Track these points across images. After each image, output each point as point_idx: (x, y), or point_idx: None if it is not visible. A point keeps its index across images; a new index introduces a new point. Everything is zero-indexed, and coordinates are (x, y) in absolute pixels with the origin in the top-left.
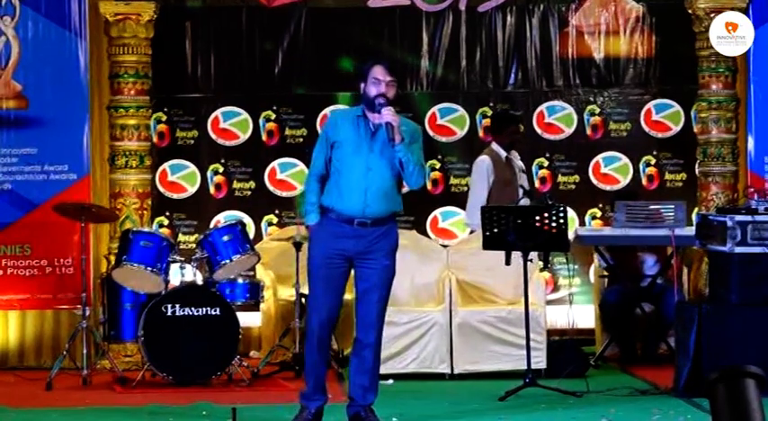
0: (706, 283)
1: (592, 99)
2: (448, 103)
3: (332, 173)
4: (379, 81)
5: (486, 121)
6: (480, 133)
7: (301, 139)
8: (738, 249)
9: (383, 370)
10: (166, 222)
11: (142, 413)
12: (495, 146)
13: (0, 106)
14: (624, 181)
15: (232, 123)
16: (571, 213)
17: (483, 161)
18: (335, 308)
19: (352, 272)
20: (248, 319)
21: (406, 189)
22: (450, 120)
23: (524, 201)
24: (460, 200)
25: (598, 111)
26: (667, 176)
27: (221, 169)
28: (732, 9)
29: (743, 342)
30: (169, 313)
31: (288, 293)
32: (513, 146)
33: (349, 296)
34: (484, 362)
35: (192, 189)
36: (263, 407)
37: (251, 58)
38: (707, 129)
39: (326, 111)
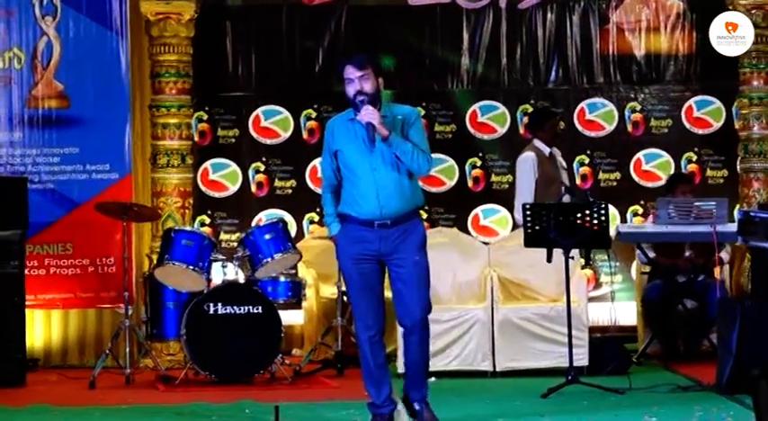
0: (748, 280)
1: (633, 96)
2: (489, 100)
3: (343, 180)
4: (351, 79)
5: (528, 119)
6: (521, 130)
7: None
8: None
9: None
10: (208, 221)
11: (185, 411)
12: (537, 142)
13: (42, 106)
14: (665, 177)
15: (273, 122)
16: (612, 210)
17: (528, 157)
18: (378, 310)
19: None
20: (290, 317)
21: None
22: (491, 117)
23: (566, 199)
24: (502, 197)
25: (639, 107)
26: (709, 173)
27: (262, 168)
28: None
29: None
30: (211, 311)
31: (330, 291)
32: (555, 141)
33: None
34: (526, 360)
35: (233, 187)
36: (305, 405)
37: (291, 57)
38: (748, 125)
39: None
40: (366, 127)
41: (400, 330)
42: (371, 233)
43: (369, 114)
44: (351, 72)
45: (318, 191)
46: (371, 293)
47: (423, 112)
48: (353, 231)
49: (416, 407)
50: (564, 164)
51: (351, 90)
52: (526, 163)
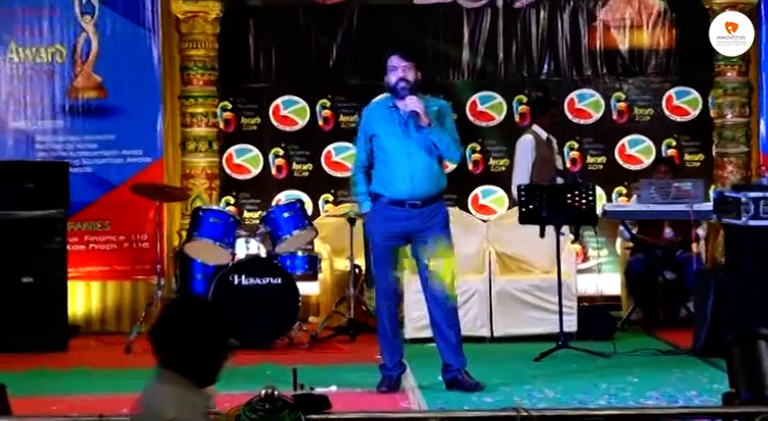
0: (722, 253)
1: (618, 87)
2: (487, 91)
3: (376, 162)
4: (395, 67)
5: (523, 108)
6: (516, 118)
7: (354, 125)
8: (752, 222)
9: (427, 333)
10: (233, 201)
11: None
12: (536, 127)
13: (81, 96)
14: (647, 161)
15: (291, 111)
16: (599, 191)
17: (527, 140)
18: (398, 284)
19: (410, 249)
20: (307, 288)
21: (451, 167)
22: (489, 106)
23: (558, 180)
24: (499, 179)
25: (623, 97)
26: (687, 157)
27: (282, 152)
28: (744, 5)
29: (756, 307)
30: (236, 283)
31: (343, 264)
32: (553, 127)
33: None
34: (520, 327)
35: (255, 170)
36: (321, 367)
37: (308, 52)
38: (722, 113)
39: (377, 99)
40: (411, 115)
41: (424, 303)
42: (402, 212)
43: (414, 103)
44: (396, 61)
45: (333, 174)
46: (395, 267)
47: None
48: (385, 210)
49: (458, 377)
50: (557, 149)
51: (393, 77)
52: (525, 144)
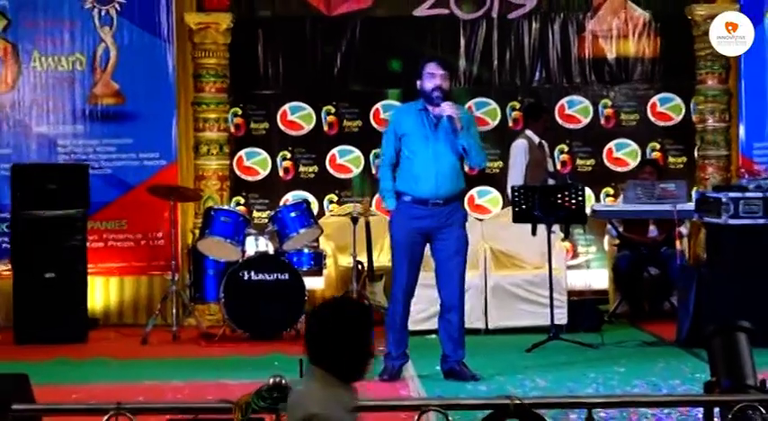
0: (704, 250)
1: (605, 93)
2: (482, 97)
3: (402, 161)
4: (433, 75)
5: (516, 113)
6: (510, 123)
7: (357, 130)
8: (731, 221)
9: (427, 326)
10: (243, 201)
11: (223, 363)
12: (529, 132)
13: (100, 102)
14: (633, 164)
15: (298, 116)
16: (588, 191)
17: (521, 144)
18: (416, 278)
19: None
20: (313, 283)
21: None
22: (485, 112)
23: (549, 182)
24: (494, 180)
25: (611, 103)
26: (670, 160)
27: (289, 155)
28: None
29: (735, 300)
30: (246, 278)
31: (347, 261)
32: (545, 134)
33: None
34: (514, 319)
35: (264, 172)
36: None
37: (314, 61)
38: (704, 118)
39: (378, 105)
40: (448, 119)
41: (426, 297)
42: (425, 211)
43: (450, 108)
44: (434, 68)
45: (337, 175)
46: (413, 264)
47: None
48: (409, 209)
49: (456, 368)
50: (548, 153)
51: (430, 84)
52: (519, 148)
